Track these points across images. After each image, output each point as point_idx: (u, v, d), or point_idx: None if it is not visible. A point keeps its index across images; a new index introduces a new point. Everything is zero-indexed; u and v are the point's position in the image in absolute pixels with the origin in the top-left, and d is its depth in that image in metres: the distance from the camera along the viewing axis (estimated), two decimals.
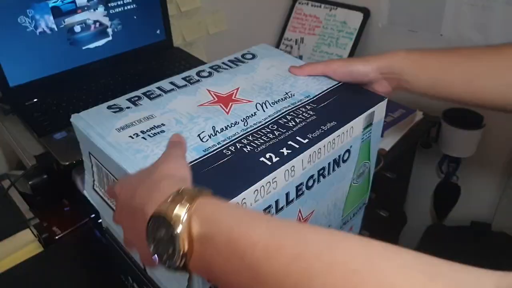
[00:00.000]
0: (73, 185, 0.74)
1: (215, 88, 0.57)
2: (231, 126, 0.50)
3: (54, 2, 0.80)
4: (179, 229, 0.33)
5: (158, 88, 0.57)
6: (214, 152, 0.46)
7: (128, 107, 0.53)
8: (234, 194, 0.40)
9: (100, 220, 0.62)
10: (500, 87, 0.54)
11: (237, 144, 0.47)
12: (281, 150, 0.46)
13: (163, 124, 0.50)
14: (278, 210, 0.47)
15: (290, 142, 0.47)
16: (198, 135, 0.48)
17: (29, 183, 0.76)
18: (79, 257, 0.72)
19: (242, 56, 0.65)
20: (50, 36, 0.82)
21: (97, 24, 0.88)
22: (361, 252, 0.28)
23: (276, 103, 0.54)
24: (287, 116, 0.51)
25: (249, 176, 0.42)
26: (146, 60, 0.96)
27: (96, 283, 0.68)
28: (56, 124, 0.75)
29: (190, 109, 0.53)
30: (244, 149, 0.46)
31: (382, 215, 1.09)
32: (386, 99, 0.55)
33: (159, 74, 0.91)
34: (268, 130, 0.49)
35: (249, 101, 0.54)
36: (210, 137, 0.48)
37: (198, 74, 0.60)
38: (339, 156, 0.52)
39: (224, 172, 0.43)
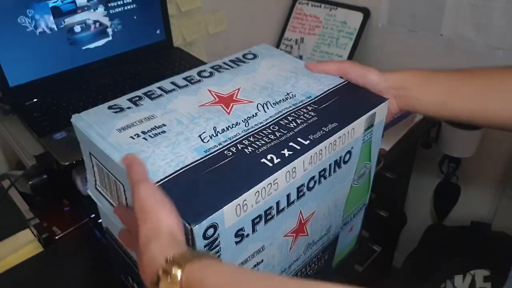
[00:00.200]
0: (73, 185, 0.75)
1: (216, 88, 0.57)
2: (232, 126, 0.50)
3: (54, 2, 0.80)
4: None
5: (159, 88, 0.57)
6: (215, 153, 0.46)
7: (129, 107, 0.53)
8: (235, 195, 0.40)
9: (100, 220, 0.62)
10: (510, 108, 0.53)
11: (238, 145, 0.47)
12: (282, 151, 0.46)
13: (164, 125, 0.50)
14: (279, 211, 0.47)
15: (291, 143, 0.47)
16: (199, 136, 0.48)
17: (29, 183, 0.76)
18: (79, 257, 0.72)
19: (243, 56, 0.65)
20: (50, 36, 0.82)
21: (97, 24, 0.88)
22: None
23: (277, 103, 0.54)
24: (288, 117, 0.51)
25: (250, 178, 0.42)
26: (146, 60, 0.95)
27: (96, 283, 0.68)
28: (56, 124, 0.75)
29: (191, 109, 0.53)
30: (245, 150, 0.46)
31: (382, 215, 1.09)
32: (388, 100, 0.55)
33: (159, 74, 0.91)
34: (269, 131, 0.49)
35: (250, 102, 0.54)
36: (211, 137, 0.48)
37: (199, 74, 0.60)
38: (340, 157, 0.52)
39: (225, 173, 0.43)
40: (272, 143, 0.47)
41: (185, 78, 0.59)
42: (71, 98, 0.83)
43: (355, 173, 0.58)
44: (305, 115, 0.51)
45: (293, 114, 0.52)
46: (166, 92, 0.56)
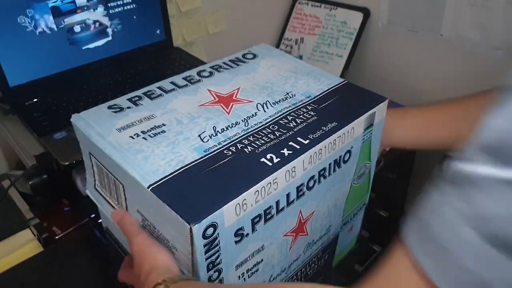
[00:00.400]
0: (73, 185, 0.74)
1: (216, 88, 0.57)
2: (232, 126, 0.50)
3: (54, 2, 0.80)
4: None
5: (159, 88, 0.57)
6: (215, 152, 0.46)
7: (128, 107, 0.53)
8: (235, 195, 0.40)
9: (100, 220, 0.62)
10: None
11: (238, 144, 0.47)
12: (282, 151, 0.46)
13: (163, 124, 0.50)
14: (278, 211, 0.47)
15: (291, 143, 0.47)
16: (199, 135, 0.48)
17: (29, 183, 0.76)
18: (79, 257, 0.72)
19: (243, 56, 0.65)
20: (50, 36, 0.82)
21: (97, 24, 0.88)
22: None
23: (277, 103, 0.54)
24: (288, 117, 0.51)
25: (249, 177, 0.42)
26: (146, 60, 0.96)
27: (96, 283, 0.68)
28: (56, 124, 0.75)
29: (191, 109, 0.53)
30: (245, 149, 0.46)
31: (382, 215, 1.09)
32: (387, 99, 0.55)
33: (159, 74, 0.91)
34: (269, 130, 0.49)
35: (250, 101, 0.54)
36: (211, 137, 0.48)
37: (199, 74, 0.60)
38: (340, 156, 0.52)
39: (225, 172, 0.43)
40: (272, 143, 0.47)
41: (184, 78, 0.59)
42: (71, 98, 0.83)
43: (355, 172, 0.58)
44: (304, 114, 0.51)
45: (292, 113, 0.52)
46: (166, 92, 0.56)
